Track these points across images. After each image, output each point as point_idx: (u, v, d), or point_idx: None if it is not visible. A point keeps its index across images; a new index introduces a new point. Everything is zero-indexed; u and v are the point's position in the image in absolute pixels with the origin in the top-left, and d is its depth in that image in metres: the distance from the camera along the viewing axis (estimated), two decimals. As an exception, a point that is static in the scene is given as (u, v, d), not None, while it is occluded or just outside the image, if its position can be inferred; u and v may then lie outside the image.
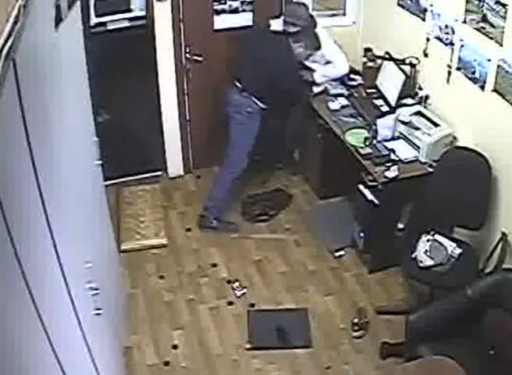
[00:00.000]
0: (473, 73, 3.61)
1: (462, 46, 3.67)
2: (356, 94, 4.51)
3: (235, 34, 4.60)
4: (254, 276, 4.16)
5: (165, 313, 3.88)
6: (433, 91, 4.08)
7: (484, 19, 3.41)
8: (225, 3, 4.51)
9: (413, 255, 3.57)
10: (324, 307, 3.93)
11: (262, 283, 4.11)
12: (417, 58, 4.14)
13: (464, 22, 3.59)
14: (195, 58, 4.60)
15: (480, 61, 3.52)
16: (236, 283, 4.06)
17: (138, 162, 4.88)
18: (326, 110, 4.39)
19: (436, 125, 3.88)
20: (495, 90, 3.43)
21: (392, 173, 3.75)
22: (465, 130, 3.80)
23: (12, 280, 1.48)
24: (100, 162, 3.07)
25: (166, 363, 3.56)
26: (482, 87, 3.54)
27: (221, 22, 4.56)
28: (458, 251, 3.54)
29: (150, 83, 4.60)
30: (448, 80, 3.87)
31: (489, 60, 3.44)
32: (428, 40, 4.00)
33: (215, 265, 4.24)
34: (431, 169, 3.80)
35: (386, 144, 3.99)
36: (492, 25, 3.35)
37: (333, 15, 4.73)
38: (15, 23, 1.50)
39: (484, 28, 3.42)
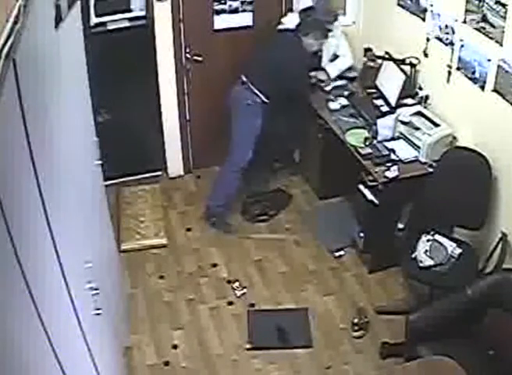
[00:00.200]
0: (473, 73, 3.61)
1: (462, 46, 3.67)
2: (356, 94, 4.52)
3: (235, 34, 4.61)
4: (254, 276, 4.17)
5: (165, 313, 3.88)
6: (433, 91, 4.08)
7: (484, 19, 3.41)
8: (225, 3, 4.51)
9: (413, 255, 3.57)
10: (324, 307, 3.93)
11: (262, 283, 4.11)
12: (417, 58, 4.14)
13: (464, 22, 3.59)
14: (195, 58, 4.60)
15: (480, 61, 3.52)
16: (236, 283, 4.07)
17: (138, 162, 4.89)
18: (326, 110, 4.39)
19: (436, 125, 3.88)
20: (495, 90, 3.43)
21: (392, 173, 3.75)
22: (465, 130, 3.80)
23: (12, 280, 1.48)
24: (100, 162, 3.07)
25: (166, 363, 3.57)
26: (482, 87, 3.54)
27: (221, 22, 4.56)
28: (458, 251, 3.54)
29: (150, 83, 4.60)
30: (448, 80, 3.86)
31: (489, 60, 3.44)
32: (428, 40, 4.00)
33: (215, 265, 4.24)
34: (431, 169, 3.80)
35: (386, 144, 3.99)
36: (492, 25, 3.35)
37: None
38: (15, 23, 1.50)
39: (484, 28, 3.42)
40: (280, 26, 4.57)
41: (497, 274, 3.23)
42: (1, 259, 1.40)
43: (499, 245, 3.43)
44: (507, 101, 3.34)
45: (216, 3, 4.49)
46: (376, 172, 3.81)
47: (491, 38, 3.38)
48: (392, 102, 4.23)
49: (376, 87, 4.46)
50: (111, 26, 4.29)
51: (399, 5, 4.27)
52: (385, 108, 4.28)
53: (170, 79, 4.64)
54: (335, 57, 4.61)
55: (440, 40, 3.87)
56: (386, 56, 4.39)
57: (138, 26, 4.37)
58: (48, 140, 1.97)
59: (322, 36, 4.30)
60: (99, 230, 3.07)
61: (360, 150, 3.97)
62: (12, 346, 1.44)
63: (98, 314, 2.43)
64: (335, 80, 4.60)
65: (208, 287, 4.07)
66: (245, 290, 4.03)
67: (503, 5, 3.23)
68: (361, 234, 4.17)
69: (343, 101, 4.43)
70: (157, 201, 4.73)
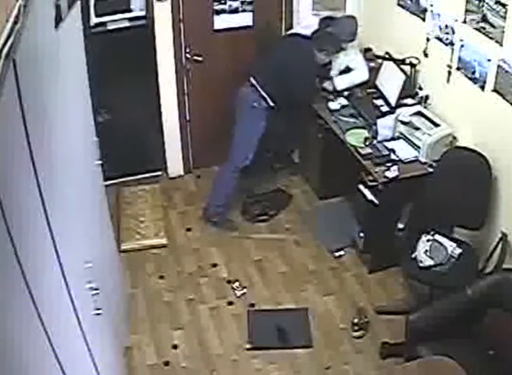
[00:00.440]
0: (473, 73, 3.61)
1: (462, 46, 3.67)
2: (356, 94, 4.52)
3: (235, 34, 4.61)
4: (254, 276, 4.17)
5: (165, 313, 3.88)
6: (433, 91, 4.08)
7: (484, 19, 3.41)
8: (225, 3, 4.51)
9: (413, 255, 3.57)
10: (324, 307, 3.93)
11: (262, 283, 4.11)
12: (417, 58, 4.14)
13: (464, 22, 3.59)
14: (195, 58, 4.60)
15: (480, 61, 3.52)
16: (236, 283, 4.07)
17: (138, 162, 4.88)
18: (326, 110, 4.39)
19: (436, 125, 3.88)
20: (495, 90, 3.43)
21: (392, 173, 3.75)
22: (465, 130, 3.80)
23: (12, 280, 1.48)
24: (100, 162, 3.07)
25: (166, 363, 3.56)
26: (482, 87, 3.54)
27: (221, 22, 4.56)
28: (458, 251, 3.54)
29: (150, 83, 4.60)
30: (448, 80, 3.86)
31: (489, 60, 3.44)
32: (428, 40, 4.00)
33: (215, 265, 4.24)
34: (431, 169, 3.80)
35: (386, 144, 3.99)
36: (492, 25, 3.35)
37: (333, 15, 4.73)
38: (15, 23, 1.50)
39: (484, 28, 3.42)
40: (293, 30, 4.54)
41: (497, 274, 3.23)
42: (1, 259, 1.40)
43: (499, 245, 3.43)
44: (507, 101, 3.34)
45: (216, 3, 4.49)
46: (376, 172, 3.81)
47: (491, 38, 3.38)
48: (392, 102, 4.23)
49: (376, 87, 4.46)
50: (111, 26, 4.28)
51: (399, 5, 4.28)
52: (385, 108, 4.28)
53: (170, 79, 4.64)
54: (347, 70, 4.55)
55: (440, 40, 3.87)
56: (386, 56, 4.39)
57: (138, 26, 4.37)
58: (48, 140, 1.97)
59: (334, 52, 4.30)
60: (99, 230, 3.07)
61: (360, 150, 3.97)
62: (12, 346, 1.44)
63: (98, 314, 2.43)
64: (342, 92, 4.52)
65: (208, 287, 4.07)
66: (245, 290, 4.03)
67: (503, 5, 3.23)
68: (361, 234, 4.17)
69: (343, 101, 4.43)
70: (157, 201, 4.73)
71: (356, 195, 4.07)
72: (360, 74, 4.53)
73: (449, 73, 3.83)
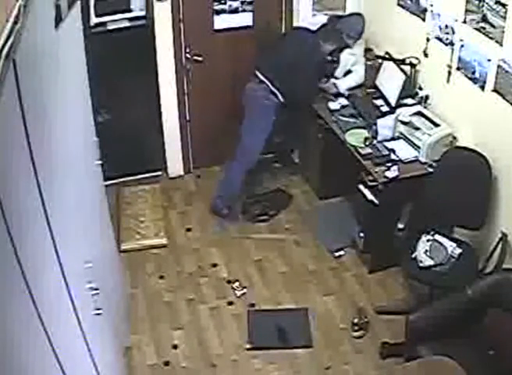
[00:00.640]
0: (473, 73, 3.61)
1: (462, 46, 3.67)
2: (356, 94, 4.52)
3: (235, 34, 4.61)
4: (254, 276, 4.17)
5: (165, 313, 3.88)
6: (433, 91, 4.08)
7: (484, 19, 3.41)
8: (225, 3, 4.51)
9: (413, 255, 3.57)
10: (324, 307, 3.93)
11: (262, 283, 4.11)
12: (417, 58, 4.14)
13: (464, 22, 3.59)
14: (195, 58, 4.60)
15: (480, 61, 3.52)
16: (236, 283, 4.06)
17: (138, 162, 4.88)
18: (326, 110, 4.39)
19: (436, 125, 3.88)
20: (495, 90, 3.43)
21: (392, 173, 3.75)
22: (465, 130, 3.80)
23: (12, 280, 1.48)
24: (100, 162, 3.07)
25: (166, 363, 3.56)
26: (482, 87, 3.54)
27: (221, 22, 4.56)
28: (458, 251, 3.54)
29: (150, 83, 4.60)
30: (448, 80, 3.86)
31: (489, 60, 3.44)
32: (428, 40, 4.00)
33: (215, 265, 4.24)
34: (431, 169, 3.80)
35: (386, 144, 3.99)
36: (492, 25, 3.35)
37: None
38: (15, 23, 1.50)
39: (484, 28, 3.42)
40: (299, 25, 4.53)
41: (497, 274, 3.23)
42: (1, 259, 1.40)
43: (499, 245, 3.43)
44: (507, 101, 3.34)
45: (216, 3, 4.49)
46: (376, 172, 3.81)
47: (491, 38, 3.38)
48: (393, 102, 4.23)
49: (376, 87, 4.46)
50: (111, 26, 4.28)
51: (399, 5, 4.28)
52: (385, 108, 4.28)
53: (170, 79, 4.64)
54: (348, 72, 4.57)
55: (440, 40, 3.87)
56: (386, 56, 4.39)
57: (138, 26, 4.37)
58: (48, 140, 1.97)
59: (339, 44, 4.29)
60: (99, 230, 3.07)
61: (360, 150, 3.97)
62: (12, 346, 1.44)
63: (98, 314, 2.43)
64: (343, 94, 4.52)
65: (208, 287, 4.07)
66: (245, 290, 4.03)
67: (503, 5, 3.23)
68: (361, 234, 4.17)
69: (343, 101, 4.43)
70: (157, 201, 4.73)
71: (356, 195, 4.07)
72: (357, 77, 4.54)
73: (449, 73, 3.83)
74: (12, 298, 1.47)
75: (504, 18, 3.25)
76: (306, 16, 4.71)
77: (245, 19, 4.60)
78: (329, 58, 4.33)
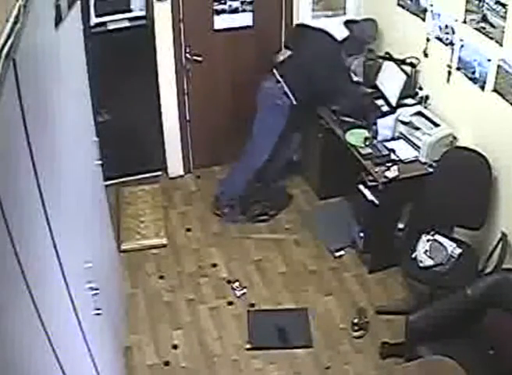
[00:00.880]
0: (473, 73, 3.61)
1: (462, 46, 3.67)
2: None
3: (235, 34, 4.61)
4: (254, 276, 4.16)
5: (165, 313, 3.88)
6: (433, 91, 4.08)
7: (484, 19, 3.41)
8: (225, 3, 4.51)
9: (413, 255, 3.57)
10: (324, 307, 3.93)
11: (262, 283, 4.11)
12: (417, 58, 4.14)
13: (464, 22, 3.59)
14: (195, 58, 4.60)
15: (480, 61, 3.52)
16: (236, 283, 4.06)
17: (138, 162, 4.88)
18: (326, 110, 4.39)
19: (436, 125, 3.88)
20: (495, 90, 3.43)
21: (392, 173, 3.75)
22: (465, 130, 3.80)
23: (12, 281, 1.48)
24: (100, 162, 3.07)
25: (166, 363, 3.57)
26: (482, 87, 3.54)
27: (221, 22, 4.56)
28: (458, 251, 3.54)
29: (150, 83, 4.60)
30: (448, 80, 3.87)
31: (489, 60, 3.44)
32: (428, 40, 4.00)
33: (215, 265, 4.24)
34: (431, 169, 3.81)
35: (386, 144, 3.99)
36: (492, 25, 3.35)
37: (333, 15, 4.73)
38: (15, 23, 1.50)
39: (484, 28, 3.42)
40: (319, 25, 4.46)
41: (497, 274, 3.23)
42: (1, 259, 1.40)
43: (499, 245, 3.43)
44: (507, 101, 3.34)
45: (216, 3, 4.49)
46: (376, 172, 3.81)
47: (491, 38, 3.38)
48: (393, 102, 4.23)
49: (376, 87, 4.46)
50: (111, 26, 4.28)
51: (399, 5, 4.28)
52: (385, 108, 4.28)
53: (170, 79, 4.64)
54: None
55: (440, 40, 3.87)
56: (387, 56, 4.40)
57: (138, 26, 4.37)
58: (48, 140, 1.97)
59: (359, 54, 4.33)
60: (99, 230, 3.07)
61: (360, 150, 3.97)
62: (12, 346, 1.44)
63: (98, 314, 2.43)
64: None
65: (208, 287, 4.07)
66: (245, 290, 4.03)
67: (503, 5, 3.24)
68: (361, 234, 4.17)
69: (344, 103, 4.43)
70: (157, 201, 4.73)
71: (356, 195, 4.07)
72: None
73: (449, 73, 3.83)
74: (13, 298, 1.47)
75: (504, 18, 3.25)
76: (306, 16, 4.70)
77: (245, 19, 4.60)
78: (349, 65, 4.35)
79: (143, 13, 4.37)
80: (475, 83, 3.60)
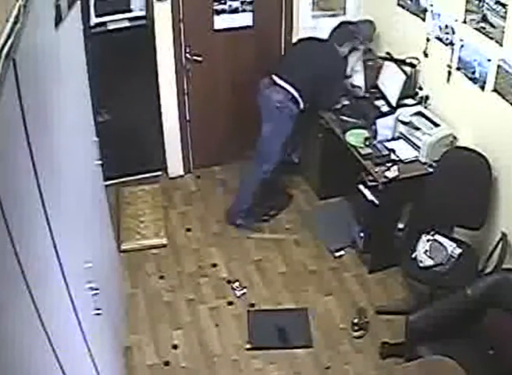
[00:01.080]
0: (473, 73, 3.61)
1: (462, 46, 3.67)
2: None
3: (235, 34, 4.61)
4: (254, 276, 4.16)
5: (165, 313, 3.88)
6: (433, 91, 4.08)
7: (484, 19, 3.41)
8: (225, 3, 4.51)
9: (413, 255, 3.57)
10: (324, 307, 3.93)
11: (262, 283, 4.11)
12: (417, 59, 4.14)
13: (464, 22, 3.59)
14: (195, 58, 4.60)
15: (480, 61, 3.53)
16: (236, 283, 4.06)
17: (138, 162, 4.88)
18: (326, 110, 4.39)
19: (436, 125, 3.88)
20: (495, 90, 3.43)
21: (392, 173, 3.75)
22: (465, 130, 3.80)
23: (12, 281, 1.48)
24: (100, 162, 3.07)
25: (166, 363, 3.57)
26: (482, 87, 3.54)
27: (221, 22, 4.56)
28: (458, 251, 3.54)
29: (150, 83, 4.60)
30: (448, 80, 3.87)
31: (489, 60, 3.44)
32: (428, 40, 4.00)
33: (215, 265, 4.24)
34: (431, 170, 3.81)
35: (386, 144, 3.99)
36: (492, 25, 3.35)
37: (333, 15, 4.73)
38: (15, 23, 1.50)
39: (484, 28, 3.42)
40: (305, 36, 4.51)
41: (497, 274, 3.23)
42: (2, 260, 1.40)
43: (499, 245, 3.43)
44: (507, 101, 3.34)
45: (216, 3, 4.49)
46: (376, 172, 3.81)
47: (491, 38, 3.38)
48: (393, 102, 4.24)
49: (377, 87, 4.46)
50: (111, 26, 4.28)
51: (399, 5, 4.28)
52: (385, 109, 4.28)
53: (170, 79, 4.64)
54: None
55: (440, 40, 3.87)
56: (387, 56, 4.40)
57: (138, 26, 4.37)
58: (48, 140, 1.97)
59: (353, 45, 4.29)
60: (99, 230, 3.07)
61: (360, 150, 3.97)
62: (13, 346, 1.44)
63: (98, 314, 2.43)
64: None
65: (208, 287, 4.07)
66: (245, 290, 4.03)
67: (503, 5, 3.24)
68: (361, 234, 4.17)
69: (343, 101, 4.43)
70: (157, 201, 4.72)
71: (356, 195, 4.07)
72: (360, 78, 4.54)
73: (449, 73, 3.83)
74: (13, 298, 1.47)
75: (504, 18, 3.25)
76: (306, 16, 4.70)
77: (245, 19, 4.60)
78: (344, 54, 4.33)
79: (143, 13, 4.37)
80: (475, 83, 3.60)
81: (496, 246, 3.45)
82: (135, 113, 4.63)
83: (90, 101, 3.01)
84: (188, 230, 4.54)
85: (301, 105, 4.18)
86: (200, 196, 4.83)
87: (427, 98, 4.12)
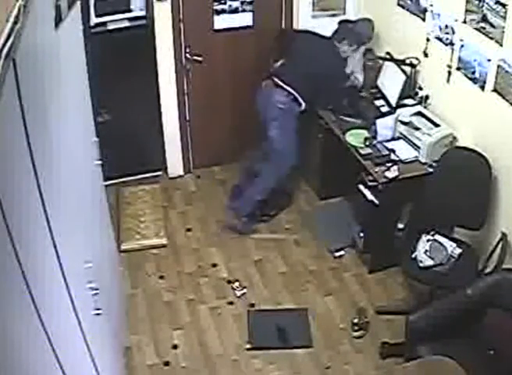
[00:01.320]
0: (473, 73, 3.61)
1: (462, 46, 3.67)
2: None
3: (235, 34, 4.61)
4: (254, 276, 4.16)
5: (165, 313, 3.88)
6: (433, 91, 4.08)
7: (484, 19, 3.41)
8: (225, 3, 4.51)
9: (413, 255, 3.57)
10: (324, 307, 3.93)
11: (262, 283, 4.11)
12: (417, 59, 4.14)
13: (464, 22, 3.59)
14: (195, 58, 4.60)
15: (480, 61, 3.52)
16: (236, 283, 4.06)
17: (138, 162, 4.88)
18: (326, 110, 4.39)
19: (436, 125, 3.88)
20: (495, 90, 3.43)
21: (392, 173, 3.75)
22: (465, 130, 3.80)
23: (12, 281, 1.48)
24: (100, 162, 3.07)
25: (166, 363, 3.56)
26: (482, 87, 3.54)
27: (221, 22, 4.56)
28: (458, 251, 3.54)
29: (150, 83, 4.60)
30: (448, 80, 3.87)
31: (489, 60, 3.44)
32: (428, 40, 4.00)
33: (215, 265, 4.24)
34: (431, 170, 3.81)
35: (386, 144, 3.99)
36: (492, 25, 3.35)
37: (333, 15, 4.73)
38: (15, 23, 1.50)
39: (484, 28, 3.42)
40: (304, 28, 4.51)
41: (497, 274, 3.23)
42: (2, 260, 1.40)
43: (499, 245, 3.43)
44: (507, 101, 3.34)
45: (216, 3, 4.49)
46: (376, 172, 3.81)
47: (491, 38, 3.38)
48: (393, 102, 4.24)
49: (377, 88, 4.46)
50: (111, 26, 4.28)
51: (399, 5, 4.28)
52: (385, 109, 4.28)
53: (170, 79, 4.64)
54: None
55: (440, 40, 3.87)
56: (387, 56, 4.40)
57: (138, 26, 4.37)
58: (48, 140, 1.97)
59: (354, 45, 4.29)
60: (99, 230, 3.07)
61: (360, 150, 3.97)
62: (12, 346, 1.44)
63: (98, 314, 2.43)
64: None
65: (208, 287, 4.07)
66: (245, 290, 4.03)
67: (503, 5, 3.24)
68: (361, 234, 4.17)
69: (344, 101, 4.43)
70: (157, 201, 4.73)
71: (356, 195, 4.07)
72: (360, 77, 4.55)
73: (449, 73, 3.83)
74: (13, 298, 1.47)
75: (504, 18, 3.25)
76: (306, 15, 4.70)
77: (245, 19, 4.60)
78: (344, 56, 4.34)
79: (143, 13, 4.37)
80: (475, 83, 3.60)
81: (496, 246, 3.45)
82: (135, 113, 4.63)
83: (90, 101, 3.01)
84: (188, 230, 4.54)
85: (303, 106, 4.18)
86: (200, 196, 4.84)
87: (427, 98, 4.11)
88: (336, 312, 3.90)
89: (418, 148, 3.88)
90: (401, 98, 4.20)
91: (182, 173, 5.08)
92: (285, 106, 4.15)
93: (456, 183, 3.64)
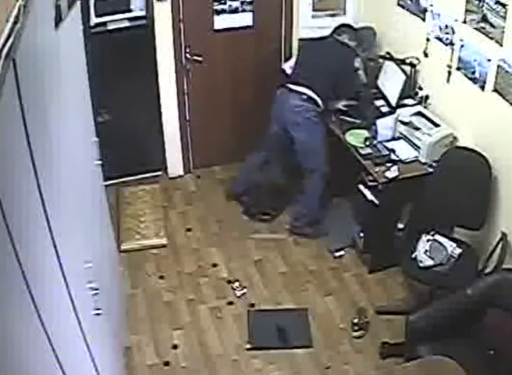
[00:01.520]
0: (473, 73, 3.61)
1: (462, 46, 3.67)
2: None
3: (235, 34, 4.61)
4: (254, 276, 4.16)
5: (165, 313, 3.88)
6: (433, 91, 4.08)
7: (484, 19, 3.41)
8: (225, 3, 4.51)
9: (413, 255, 3.57)
10: (324, 307, 3.93)
11: (262, 283, 4.11)
12: (417, 59, 4.14)
13: (464, 22, 3.59)
14: (195, 58, 4.60)
15: (480, 61, 3.52)
16: (236, 283, 4.06)
17: (138, 162, 4.88)
18: (326, 110, 4.38)
19: (436, 125, 3.88)
20: (495, 90, 3.43)
21: (392, 173, 3.75)
22: (465, 130, 3.80)
23: (12, 281, 1.48)
24: (100, 162, 3.07)
25: (166, 363, 3.56)
26: (482, 87, 3.54)
27: (221, 22, 4.56)
28: (458, 251, 3.54)
29: (150, 83, 4.60)
30: (448, 80, 3.87)
31: (489, 60, 3.44)
32: (428, 40, 4.00)
33: (215, 265, 4.24)
34: (431, 170, 3.80)
35: (386, 144, 3.99)
36: (492, 25, 3.35)
37: (333, 15, 4.73)
38: (15, 23, 1.50)
39: (484, 28, 3.42)
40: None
41: (497, 274, 3.23)
42: (2, 260, 1.40)
43: (499, 245, 3.43)
44: (507, 101, 3.34)
45: (216, 3, 4.49)
46: (376, 172, 3.81)
47: (491, 38, 3.38)
48: (393, 102, 4.23)
49: (377, 87, 4.46)
50: (111, 26, 4.28)
51: (399, 5, 4.28)
52: (385, 109, 4.28)
53: (170, 79, 4.64)
54: None
55: (440, 40, 3.87)
56: (387, 56, 4.39)
57: (138, 26, 4.37)
58: (48, 140, 1.97)
59: (354, 41, 4.30)
60: (99, 230, 3.07)
61: (360, 150, 3.97)
62: (12, 346, 1.44)
63: (98, 314, 2.43)
64: None
65: (208, 287, 4.07)
66: (245, 290, 4.03)
67: (503, 5, 3.24)
68: (361, 234, 4.17)
69: (344, 101, 4.42)
70: (157, 201, 4.73)
71: (356, 195, 4.07)
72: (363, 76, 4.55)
73: (449, 73, 3.83)
74: (13, 298, 1.47)
75: (504, 18, 3.25)
76: (306, 15, 4.70)
77: (245, 19, 4.60)
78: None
79: (143, 13, 4.37)
80: (475, 83, 3.60)
81: (496, 246, 3.45)
82: (135, 113, 4.64)
83: (90, 101, 3.01)
84: (188, 230, 4.54)
85: (321, 106, 4.17)
86: (200, 196, 4.84)
87: (427, 98, 4.11)
88: (335, 312, 3.90)
89: (418, 148, 3.88)
90: (401, 98, 4.20)
91: (182, 173, 5.08)
92: (301, 109, 4.13)
93: (457, 183, 3.64)
